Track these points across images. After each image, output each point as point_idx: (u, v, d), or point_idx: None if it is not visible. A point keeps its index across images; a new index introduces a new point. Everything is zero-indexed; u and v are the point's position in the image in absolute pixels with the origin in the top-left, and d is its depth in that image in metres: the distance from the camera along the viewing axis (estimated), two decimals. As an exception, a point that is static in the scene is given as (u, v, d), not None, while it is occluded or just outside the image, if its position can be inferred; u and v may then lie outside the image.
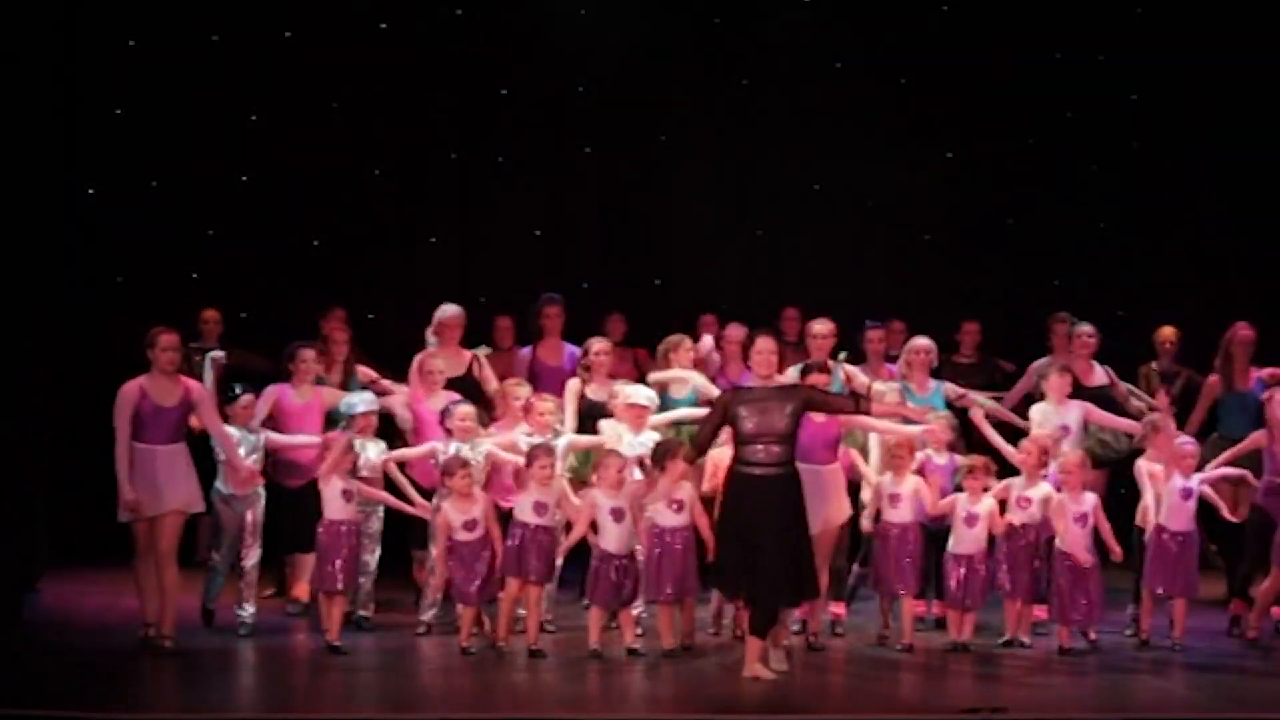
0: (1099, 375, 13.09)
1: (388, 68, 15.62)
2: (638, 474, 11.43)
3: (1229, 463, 12.03)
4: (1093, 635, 11.46)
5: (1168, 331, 14.06)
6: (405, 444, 12.22)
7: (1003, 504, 11.57)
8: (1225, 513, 11.83)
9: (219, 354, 12.45)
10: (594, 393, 12.34)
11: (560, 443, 11.58)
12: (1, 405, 12.61)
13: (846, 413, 11.02)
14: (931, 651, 11.44)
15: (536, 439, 11.47)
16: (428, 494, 11.73)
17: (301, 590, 12.40)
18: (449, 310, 12.88)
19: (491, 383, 12.69)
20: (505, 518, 11.37)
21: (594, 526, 11.26)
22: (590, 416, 12.14)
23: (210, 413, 11.41)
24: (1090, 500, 11.49)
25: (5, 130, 13.87)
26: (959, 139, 16.06)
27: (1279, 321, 13.82)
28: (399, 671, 10.84)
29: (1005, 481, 11.65)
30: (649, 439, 11.64)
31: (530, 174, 16.06)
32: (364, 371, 12.74)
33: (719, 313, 13.65)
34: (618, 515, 11.17)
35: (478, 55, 15.76)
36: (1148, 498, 11.64)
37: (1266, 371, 12.71)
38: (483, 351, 13.26)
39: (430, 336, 12.82)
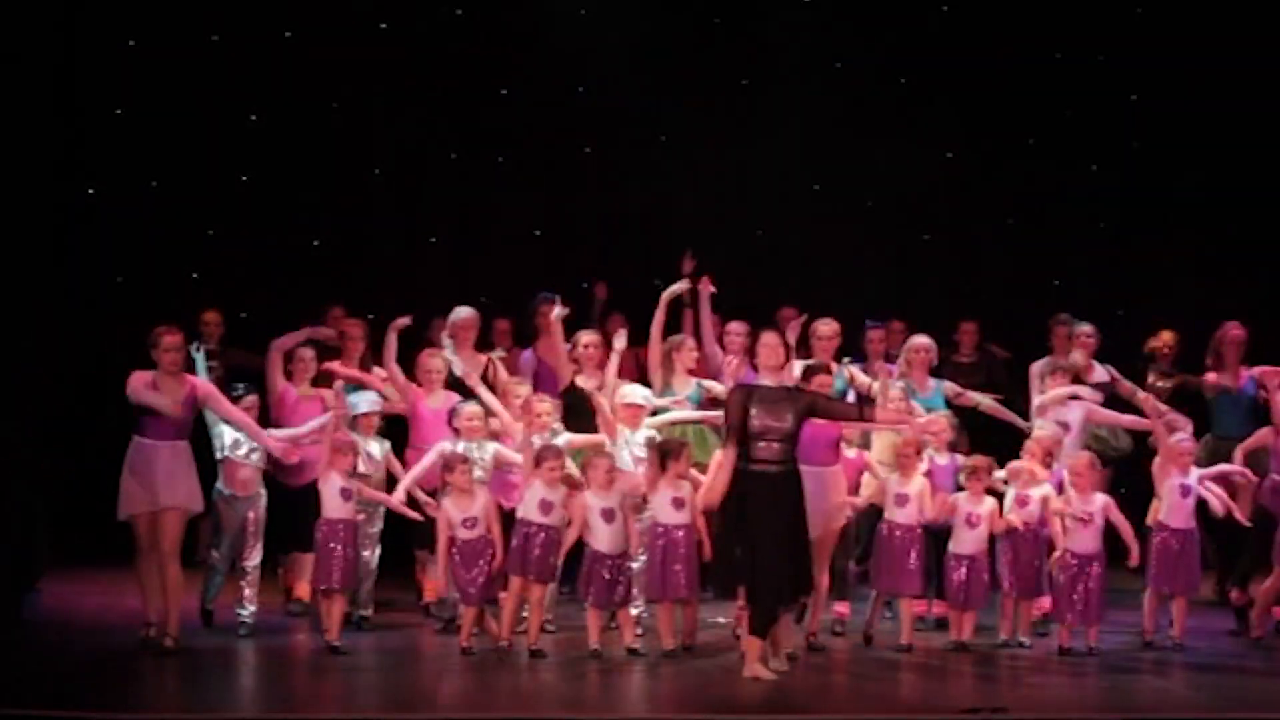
0: (1099, 374, 13.10)
1: (388, 68, 15.63)
2: (625, 461, 11.50)
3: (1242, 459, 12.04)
4: (1093, 639, 11.40)
5: (1166, 336, 14.03)
6: (407, 442, 12.25)
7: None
8: (1237, 513, 11.81)
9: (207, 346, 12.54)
10: (583, 382, 12.37)
11: (558, 442, 11.59)
12: (1, 405, 12.61)
13: (850, 419, 11.05)
14: (931, 651, 11.43)
15: (537, 439, 11.48)
16: (431, 494, 11.72)
17: (303, 590, 12.40)
18: (463, 313, 12.86)
19: None
20: (509, 518, 11.39)
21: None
22: (580, 410, 12.11)
23: (220, 403, 11.39)
24: (1100, 501, 11.44)
25: (5, 130, 13.86)
26: (959, 139, 16.06)
27: (1277, 321, 13.83)
28: (399, 671, 10.84)
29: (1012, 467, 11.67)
30: (645, 438, 11.66)
31: (530, 174, 16.06)
32: (378, 371, 12.74)
33: (720, 313, 13.63)
34: (608, 516, 11.17)
35: (478, 55, 15.76)
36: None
37: (1258, 370, 12.73)
38: (498, 354, 13.29)
39: (446, 339, 12.81)
